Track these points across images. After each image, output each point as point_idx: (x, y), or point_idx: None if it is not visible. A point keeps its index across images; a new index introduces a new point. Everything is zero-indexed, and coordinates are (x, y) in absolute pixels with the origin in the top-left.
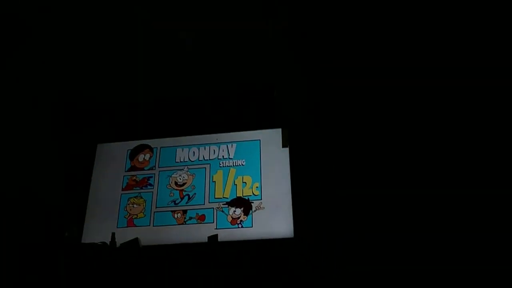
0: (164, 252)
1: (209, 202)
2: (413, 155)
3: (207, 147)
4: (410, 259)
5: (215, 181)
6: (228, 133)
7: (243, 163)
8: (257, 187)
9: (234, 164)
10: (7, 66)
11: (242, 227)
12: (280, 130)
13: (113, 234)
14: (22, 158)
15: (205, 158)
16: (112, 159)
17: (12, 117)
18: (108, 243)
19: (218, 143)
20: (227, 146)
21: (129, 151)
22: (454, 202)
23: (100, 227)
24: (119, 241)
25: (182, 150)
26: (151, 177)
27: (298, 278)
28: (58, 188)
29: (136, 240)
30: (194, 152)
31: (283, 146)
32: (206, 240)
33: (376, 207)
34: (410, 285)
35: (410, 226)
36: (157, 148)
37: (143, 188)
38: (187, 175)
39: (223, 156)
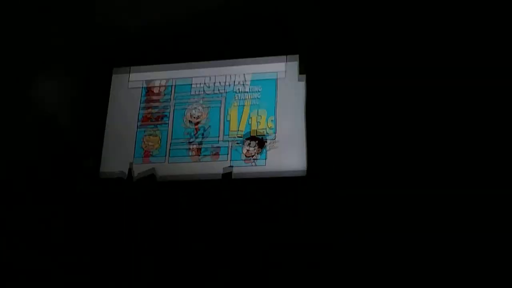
0: (179, 188)
1: (224, 136)
2: None
3: (222, 77)
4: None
5: (230, 115)
6: (245, 59)
7: (258, 96)
8: (272, 120)
9: (249, 97)
10: None
11: (255, 165)
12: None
13: (131, 164)
14: (36, 85)
15: (220, 91)
16: (127, 87)
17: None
18: (125, 177)
19: (233, 73)
20: (244, 76)
21: (145, 81)
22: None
23: (117, 160)
24: (135, 176)
25: (197, 82)
26: (167, 109)
27: (311, 216)
28: (74, 118)
29: (152, 175)
30: (209, 82)
31: (300, 73)
32: (220, 177)
33: (394, 149)
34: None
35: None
36: (172, 79)
37: (158, 122)
38: (202, 108)
39: (238, 89)
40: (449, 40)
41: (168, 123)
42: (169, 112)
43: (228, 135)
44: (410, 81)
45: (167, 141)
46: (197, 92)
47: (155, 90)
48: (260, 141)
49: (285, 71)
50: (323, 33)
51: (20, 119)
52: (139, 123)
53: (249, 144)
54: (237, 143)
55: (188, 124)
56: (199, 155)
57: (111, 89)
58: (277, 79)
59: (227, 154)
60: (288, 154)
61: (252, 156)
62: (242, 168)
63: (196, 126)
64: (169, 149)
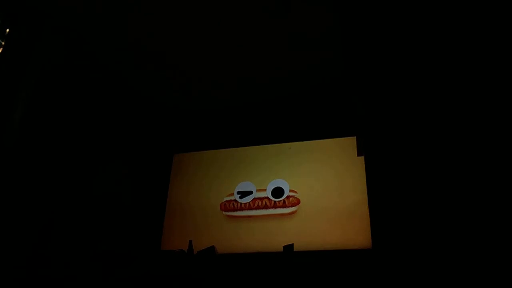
0: (239, 260)
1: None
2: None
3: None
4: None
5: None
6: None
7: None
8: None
9: None
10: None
11: None
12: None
13: (190, 241)
14: (105, 169)
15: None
16: (188, 169)
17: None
18: (186, 251)
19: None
20: None
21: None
22: None
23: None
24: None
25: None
26: None
27: None
28: (139, 198)
29: (212, 248)
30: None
31: (358, 155)
32: (282, 250)
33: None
34: None
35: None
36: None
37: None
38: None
39: None
40: None
41: None
42: None
43: None
44: (468, 152)
45: None
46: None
47: None
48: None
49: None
50: (378, 114)
51: (88, 202)
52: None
53: None
54: None
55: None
56: None
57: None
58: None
59: None
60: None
61: None
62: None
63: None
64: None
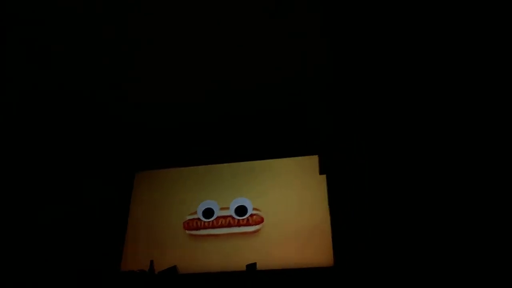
0: (202, 280)
1: None
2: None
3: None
4: None
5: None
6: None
7: None
8: None
9: None
10: None
11: None
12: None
13: (152, 261)
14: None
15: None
16: (149, 187)
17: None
18: (147, 271)
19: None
20: None
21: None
22: None
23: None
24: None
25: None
26: None
27: None
28: (98, 217)
29: (174, 268)
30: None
31: (320, 173)
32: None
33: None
34: None
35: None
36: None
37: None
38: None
39: None
40: None
41: None
42: None
43: None
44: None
45: None
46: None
47: None
48: None
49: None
50: (337, 134)
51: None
52: None
53: None
54: None
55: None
56: None
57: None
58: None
59: None
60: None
61: None
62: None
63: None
64: None
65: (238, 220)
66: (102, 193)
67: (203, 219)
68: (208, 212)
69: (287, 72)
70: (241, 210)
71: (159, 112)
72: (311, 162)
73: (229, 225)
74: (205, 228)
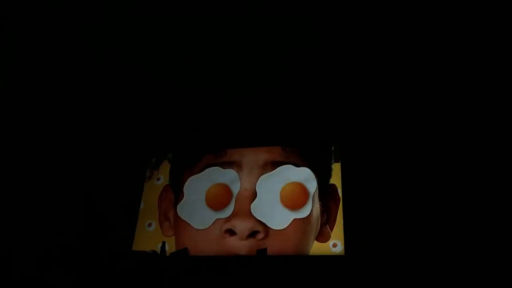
0: (212, 263)
1: None
2: None
3: None
4: None
5: None
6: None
7: None
8: None
9: None
10: None
11: None
12: None
13: (164, 242)
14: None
15: None
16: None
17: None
18: (159, 252)
19: None
20: None
21: None
22: None
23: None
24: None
25: None
26: None
27: None
28: (111, 197)
29: (185, 250)
30: None
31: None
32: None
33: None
34: None
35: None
36: None
37: None
38: None
39: None
40: None
41: None
42: None
43: None
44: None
45: None
46: None
47: None
48: None
49: None
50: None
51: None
52: None
53: None
54: None
55: None
56: None
57: None
58: None
59: None
60: None
61: None
62: None
63: None
64: None
65: None
66: (116, 175)
67: None
68: None
69: None
70: None
71: None
72: None
73: None
74: None
